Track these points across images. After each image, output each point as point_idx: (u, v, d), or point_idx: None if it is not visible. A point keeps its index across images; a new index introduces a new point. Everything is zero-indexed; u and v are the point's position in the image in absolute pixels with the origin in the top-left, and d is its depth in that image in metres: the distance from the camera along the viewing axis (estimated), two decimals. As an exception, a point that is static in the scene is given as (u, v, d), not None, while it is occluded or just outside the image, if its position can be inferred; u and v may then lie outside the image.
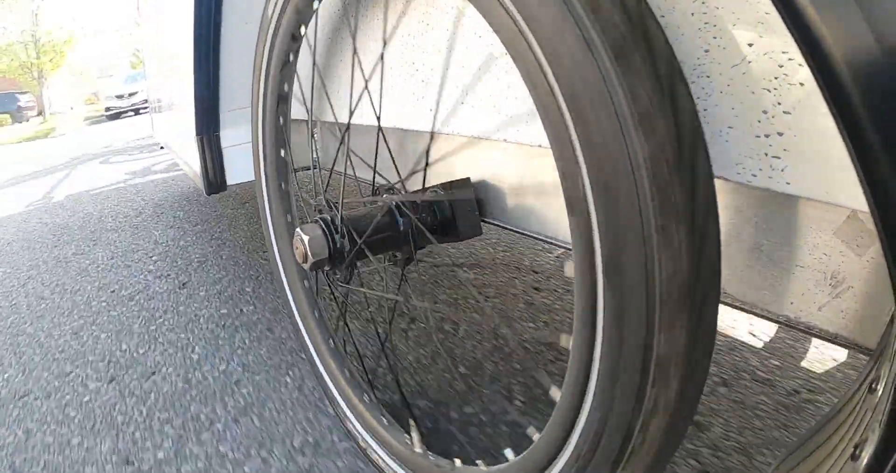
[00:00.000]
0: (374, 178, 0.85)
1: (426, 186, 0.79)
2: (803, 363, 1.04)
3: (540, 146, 0.59)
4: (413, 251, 0.79)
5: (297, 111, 0.99)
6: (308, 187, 1.29)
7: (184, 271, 1.99)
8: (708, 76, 0.42)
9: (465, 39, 0.64)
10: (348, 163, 0.89)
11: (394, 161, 0.83)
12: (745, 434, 0.87)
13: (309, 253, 0.75)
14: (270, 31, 0.87)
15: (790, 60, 0.37)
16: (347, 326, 1.21)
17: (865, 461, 0.26)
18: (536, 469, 0.53)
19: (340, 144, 1.04)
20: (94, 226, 2.94)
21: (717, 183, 0.39)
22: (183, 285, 1.85)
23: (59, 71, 25.70)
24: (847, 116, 0.27)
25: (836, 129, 0.27)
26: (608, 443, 0.43)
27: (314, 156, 1.04)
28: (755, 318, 0.51)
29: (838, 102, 0.27)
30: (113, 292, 1.89)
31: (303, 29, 0.84)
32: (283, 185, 1.04)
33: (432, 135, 0.75)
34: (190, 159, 1.58)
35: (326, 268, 0.79)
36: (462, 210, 0.75)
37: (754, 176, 0.41)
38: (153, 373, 1.31)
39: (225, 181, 1.45)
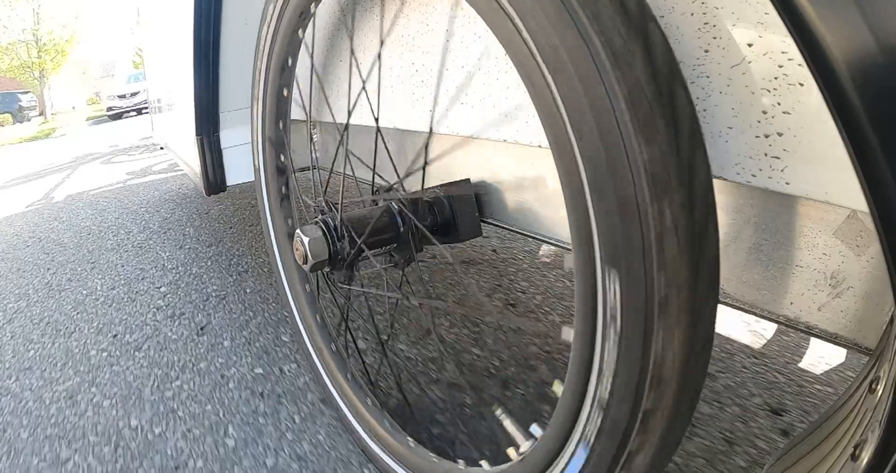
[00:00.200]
0: (373, 178, 0.85)
1: (426, 186, 0.79)
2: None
3: (539, 146, 0.59)
4: (413, 252, 0.79)
5: (295, 112, 0.99)
6: (309, 188, 1.20)
7: (200, 309, 1.62)
8: (707, 76, 0.42)
9: (463, 40, 0.64)
10: (348, 164, 0.89)
11: (392, 162, 0.83)
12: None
13: (309, 255, 0.75)
14: (270, 31, 0.87)
15: (790, 60, 0.37)
16: (351, 334, 1.21)
17: (865, 461, 0.26)
18: (537, 470, 0.53)
19: (339, 144, 1.04)
20: (91, 244, 2.56)
21: (717, 183, 0.39)
22: (201, 329, 1.49)
23: (60, 70, 25.69)
24: (847, 117, 0.27)
25: (835, 129, 0.27)
26: (608, 443, 0.43)
27: (313, 156, 1.04)
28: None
29: (838, 102, 0.27)
30: (115, 336, 1.53)
31: (301, 30, 0.84)
32: (282, 186, 1.04)
33: (430, 134, 0.75)
34: (190, 160, 1.58)
35: (326, 269, 0.79)
36: (462, 210, 0.75)
37: (754, 176, 0.41)
38: (176, 468, 0.97)
39: (225, 182, 1.45)
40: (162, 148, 2.79)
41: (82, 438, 1.10)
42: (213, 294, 1.71)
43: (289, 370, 1.22)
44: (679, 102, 0.37)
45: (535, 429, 0.56)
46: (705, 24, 0.41)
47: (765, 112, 0.39)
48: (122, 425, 1.11)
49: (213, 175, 1.43)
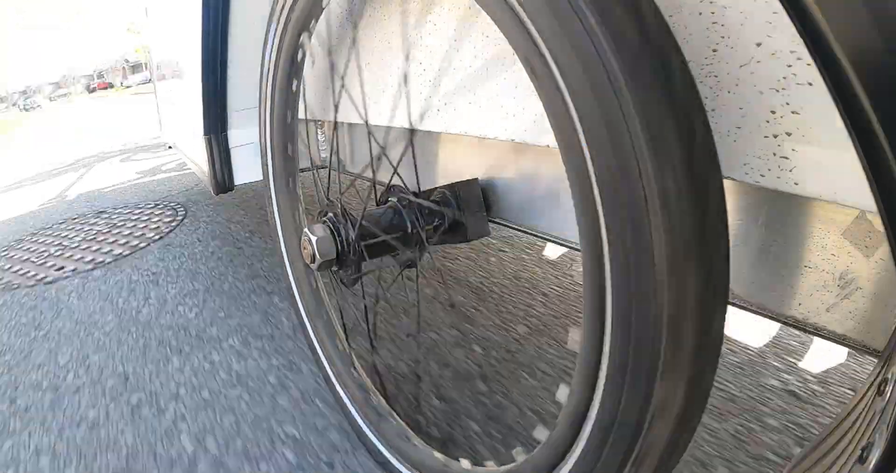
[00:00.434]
0: (371, 178, 0.85)
1: (435, 186, 0.79)
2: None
3: (548, 146, 0.59)
4: (421, 252, 0.79)
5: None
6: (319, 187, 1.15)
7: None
8: (716, 76, 0.42)
9: (472, 39, 0.64)
10: (362, 163, 0.89)
11: (388, 162, 0.83)
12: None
13: (317, 254, 0.75)
14: (279, 29, 0.87)
15: (798, 59, 0.36)
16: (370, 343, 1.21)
17: (873, 464, 0.26)
18: (544, 470, 0.53)
19: (334, 143, 1.04)
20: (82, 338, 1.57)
21: (726, 183, 0.39)
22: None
23: None
24: (855, 117, 0.26)
25: (844, 129, 0.27)
26: (615, 446, 0.43)
27: (321, 156, 1.04)
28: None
29: (847, 102, 0.27)
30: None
31: (312, 24, 0.84)
32: (290, 184, 1.04)
33: (436, 134, 0.75)
34: (198, 159, 1.58)
35: (334, 268, 0.79)
36: (470, 210, 0.75)
37: (762, 176, 0.41)
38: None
39: (233, 181, 1.46)
40: (170, 147, 2.78)
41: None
42: None
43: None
44: (688, 102, 0.37)
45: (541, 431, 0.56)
46: (713, 23, 0.41)
47: (773, 112, 0.39)
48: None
49: (221, 175, 1.43)
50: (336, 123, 0.89)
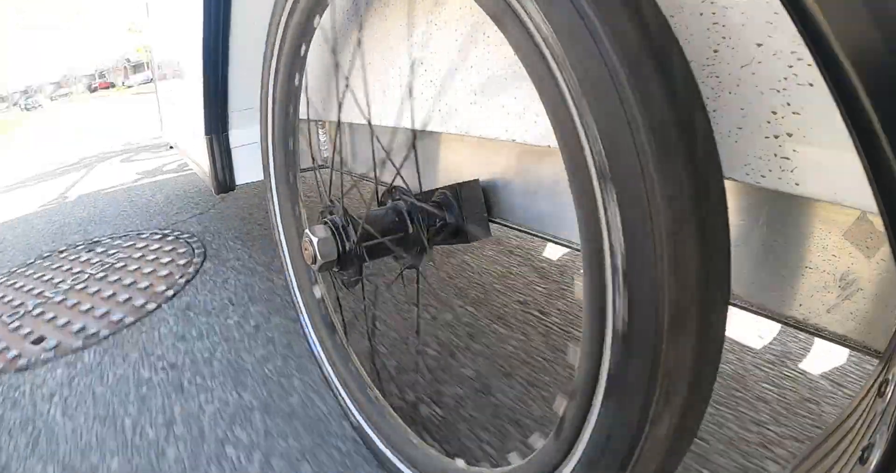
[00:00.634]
0: (374, 179, 0.85)
1: (436, 187, 0.79)
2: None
3: (549, 147, 0.59)
4: (421, 252, 0.79)
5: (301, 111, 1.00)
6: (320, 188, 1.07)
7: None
8: (717, 76, 0.42)
9: (473, 40, 0.64)
10: (364, 163, 0.89)
11: (391, 163, 0.83)
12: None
13: (318, 255, 0.75)
14: (281, 27, 0.87)
15: (799, 60, 0.36)
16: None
17: (874, 465, 0.26)
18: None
19: (336, 143, 1.04)
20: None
21: (727, 183, 0.39)
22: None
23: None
24: (856, 117, 0.26)
25: (845, 130, 0.27)
26: (614, 450, 0.43)
27: (323, 156, 1.04)
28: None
29: (848, 102, 0.27)
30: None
31: (316, 20, 0.83)
32: (291, 182, 1.04)
33: (440, 135, 0.75)
34: (199, 159, 1.59)
35: (335, 269, 0.79)
36: (471, 212, 0.75)
37: (763, 177, 0.41)
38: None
39: (234, 181, 1.46)
40: (171, 147, 2.77)
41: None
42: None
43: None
44: (689, 102, 0.37)
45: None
46: (714, 23, 0.41)
47: (774, 112, 0.39)
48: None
49: (222, 174, 1.43)
50: (339, 122, 0.89)
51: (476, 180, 0.77)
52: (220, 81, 1.33)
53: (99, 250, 2.32)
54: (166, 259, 2.08)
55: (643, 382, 0.40)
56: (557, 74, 0.41)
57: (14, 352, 1.53)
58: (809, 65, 0.36)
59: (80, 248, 2.41)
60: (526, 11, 0.42)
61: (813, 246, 0.45)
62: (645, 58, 0.36)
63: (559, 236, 0.68)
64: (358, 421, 0.91)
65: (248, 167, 1.45)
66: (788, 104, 0.38)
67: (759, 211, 0.48)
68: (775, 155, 0.40)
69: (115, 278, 1.96)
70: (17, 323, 1.72)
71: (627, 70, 0.36)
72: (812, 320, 0.46)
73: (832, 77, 0.27)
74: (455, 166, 0.84)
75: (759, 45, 0.38)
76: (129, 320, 1.61)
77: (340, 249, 0.76)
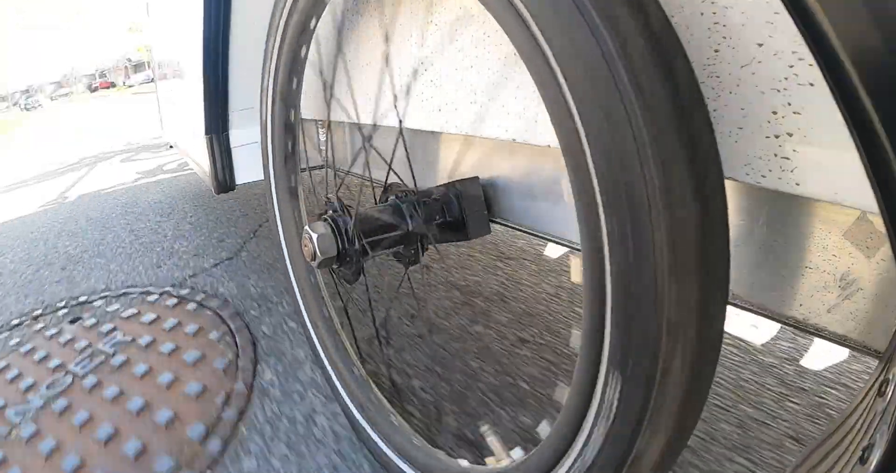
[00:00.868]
0: (387, 177, 0.85)
1: (437, 184, 0.79)
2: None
3: (549, 146, 0.59)
4: (421, 250, 0.79)
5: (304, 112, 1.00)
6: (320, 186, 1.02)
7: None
8: (717, 76, 0.42)
9: (474, 39, 0.64)
10: (358, 163, 0.89)
11: (384, 160, 0.83)
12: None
13: (317, 251, 0.75)
14: (280, 27, 0.88)
15: (800, 60, 0.36)
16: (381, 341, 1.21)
17: (874, 465, 0.26)
18: (542, 469, 0.53)
19: (327, 142, 1.04)
20: None
21: (727, 183, 0.39)
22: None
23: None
24: (857, 117, 0.26)
25: (846, 130, 0.27)
26: (613, 446, 0.43)
27: (324, 155, 1.04)
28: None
29: (848, 102, 0.27)
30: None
31: (315, 21, 0.83)
32: (292, 183, 1.04)
33: (436, 134, 0.75)
34: (199, 159, 1.59)
35: (335, 266, 0.79)
36: (471, 209, 0.75)
37: (764, 177, 0.41)
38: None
39: (234, 181, 1.46)
40: (171, 147, 2.76)
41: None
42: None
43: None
44: (690, 102, 0.37)
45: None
46: (715, 23, 0.40)
47: (775, 112, 0.39)
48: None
49: (222, 174, 1.43)
50: (343, 122, 0.89)
51: (476, 178, 0.77)
52: (221, 81, 1.33)
53: (87, 322, 1.54)
54: (192, 354, 1.26)
55: (642, 381, 0.40)
56: (558, 73, 0.41)
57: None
58: (810, 65, 0.36)
59: (61, 313, 1.65)
60: (528, 10, 0.42)
61: (813, 246, 0.45)
62: (646, 58, 0.36)
63: (558, 235, 0.68)
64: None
65: (248, 167, 1.45)
66: (789, 104, 0.38)
67: (760, 211, 0.48)
68: (776, 155, 0.40)
69: (113, 389, 1.17)
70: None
71: (628, 70, 0.36)
72: (812, 320, 0.46)
73: (833, 77, 0.27)
74: (456, 165, 0.84)
75: (760, 45, 0.38)
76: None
77: (340, 245, 0.76)
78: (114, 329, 1.47)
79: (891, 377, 0.29)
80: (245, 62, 1.32)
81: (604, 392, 0.44)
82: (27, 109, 51.74)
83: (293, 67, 0.90)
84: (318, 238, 0.75)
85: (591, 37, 0.37)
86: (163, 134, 2.95)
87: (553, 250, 1.69)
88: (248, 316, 1.46)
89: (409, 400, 1.04)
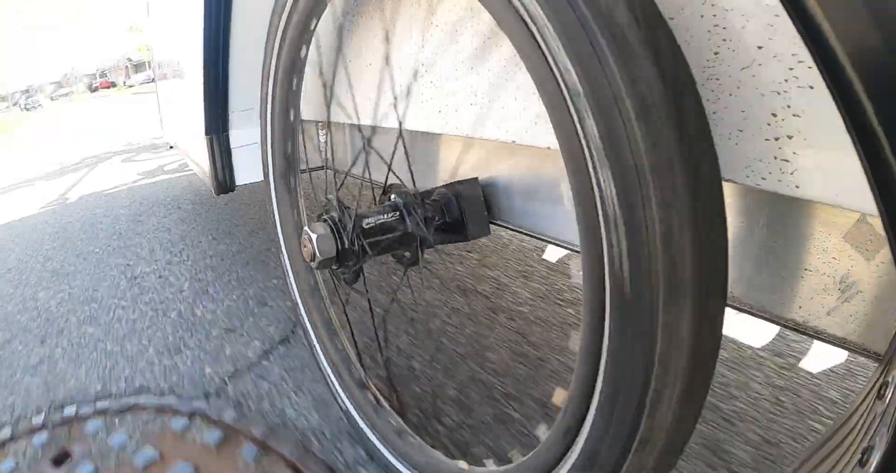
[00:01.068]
0: (386, 178, 0.85)
1: (436, 185, 0.79)
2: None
3: (549, 148, 0.59)
4: (420, 251, 0.79)
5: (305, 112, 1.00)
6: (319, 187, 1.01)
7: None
8: (717, 79, 0.42)
9: (474, 40, 0.64)
10: (357, 164, 0.89)
11: (384, 161, 0.83)
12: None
13: (317, 251, 0.75)
14: (281, 27, 0.87)
15: (800, 62, 0.36)
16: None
17: (873, 467, 0.26)
18: (543, 470, 0.53)
19: (327, 143, 1.04)
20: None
21: (726, 186, 0.39)
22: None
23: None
24: (857, 120, 0.26)
25: (845, 132, 0.27)
26: (611, 447, 0.43)
27: (324, 156, 1.04)
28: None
29: (848, 105, 0.27)
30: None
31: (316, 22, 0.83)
32: (291, 184, 1.04)
33: (441, 136, 0.75)
34: (199, 159, 1.58)
35: (334, 267, 0.79)
36: (471, 210, 0.75)
37: (763, 179, 0.41)
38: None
39: (234, 181, 1.46)
40: (171, 147, 2.75)
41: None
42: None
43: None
44: (688, 104, 0.37)
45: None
46: (715, 26, 0.40)
47: (774, 115, 0.39)
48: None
49: (222, 175, 1.43)
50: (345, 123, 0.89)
51: (475, 179, 0.77)
52: (221, 81, 1.33)
53: (77, 451, 0.96)
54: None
55: (641, 381, 0.40)
56: (558, 74, 0.41)
57: None
58: (810, 67, 0.36)
59: (37, 442, 1.00)
60: (528, 11, 0.42)
61: (813, 248, 0.45)
62: (645, 60, 0.37)
63: (558, 237, 0.68)
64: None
65: (249, 168, 1.45)
66: (789, 106, 0.38)
67: (760, 213, 0.48)
68: (775, 157, 0.40)
69: None
70: None
71: (627, 72, 0.36)
72: (812, 322, 0.46)
73: (833, 79, 0.27)
74: (456, 166, 0.84)
75: (760, 47, 0.38)
76: None
77: (339, 246, 0.76)
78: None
79: (890, 380, 0.29)
80: (245, 62, 1.32)
81: (601, 396, 0.44)
82: (27, 109, 51.73)
83: (293, 68, 0.90)
84: (317, 239, 0.75)
85: (590, 38, 0.37)
86: (163, 134, 2.95)
87: (552, 252, 1.69)
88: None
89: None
